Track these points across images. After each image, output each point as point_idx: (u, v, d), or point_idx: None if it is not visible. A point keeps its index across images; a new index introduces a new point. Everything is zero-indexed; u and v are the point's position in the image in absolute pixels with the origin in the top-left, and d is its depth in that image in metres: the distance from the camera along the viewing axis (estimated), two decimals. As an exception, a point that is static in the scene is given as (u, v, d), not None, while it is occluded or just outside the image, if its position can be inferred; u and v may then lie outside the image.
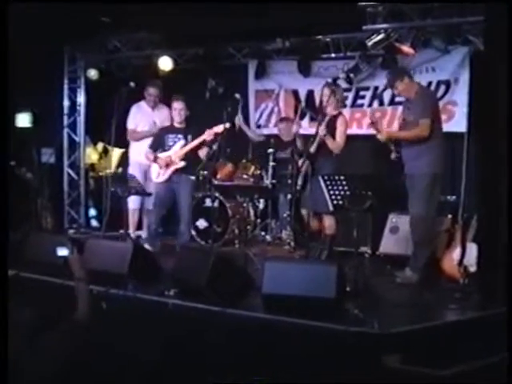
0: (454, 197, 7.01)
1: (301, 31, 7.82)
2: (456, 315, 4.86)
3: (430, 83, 7.31)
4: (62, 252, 3.85)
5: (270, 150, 7.74)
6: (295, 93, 8.40)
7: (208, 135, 6.58)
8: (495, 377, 3.59)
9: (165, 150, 6.87)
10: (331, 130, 6.22)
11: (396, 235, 6.87)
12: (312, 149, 6.18)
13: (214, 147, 6.79)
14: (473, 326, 4.54)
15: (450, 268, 5.64)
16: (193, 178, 6.96)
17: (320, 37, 7.92)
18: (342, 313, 4.55)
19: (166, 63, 8.39)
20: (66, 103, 9.50)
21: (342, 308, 4.61)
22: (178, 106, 6.87)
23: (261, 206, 7.88)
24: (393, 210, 6.95)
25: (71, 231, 9.02)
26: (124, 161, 8.30)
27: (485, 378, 3.73)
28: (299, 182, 6.27)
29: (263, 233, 7.90)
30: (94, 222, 9.51)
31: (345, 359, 3.95)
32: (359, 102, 8.00)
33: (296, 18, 7.19)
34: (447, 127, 6.44)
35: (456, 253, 5.65)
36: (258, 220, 7.87)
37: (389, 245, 6.90)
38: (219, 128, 6.56)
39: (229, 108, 6.95)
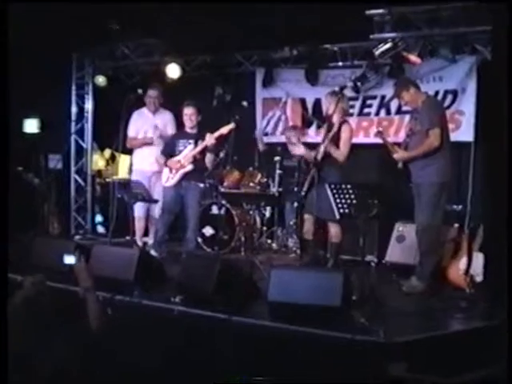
0: (460, 206, 6.96)
1: (308, 40, 7.83)
2: (462, 324, 4.85)
3: (437, 92, 7.30)
4: (69, 260, 3.86)
5: (277, 158, 7.76)
6: (302, 101, 8.43)
7: (214, 137, 6.66)
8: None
9: (176, 155, 6.93)
10: (335, 138, 6.21)
11: (402, 244, 6.88)
12: (318, 156, 6.19)
13: (222, 155, 6.83)
14: (479, 335, 4.53)
15: (456, 277, 5.64)
16: (201, 185, 7.00)
17: (328, 45, 7.94)
18: (348, 321, 4.53)
19: (173, 70, 8.42)
20: (74, 109, 9.57)
21: (348, 316, 4.59)
22: (188, 111, 6.95)
23: (267, 213, 7.91)
24: (399, 218, 6.97)
25: (77, 237, 9.01)
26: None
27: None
28: (305, 189, 6.27)
29: (269, 240, 7.90)
30: (101, 228, 9.52)
31: (350, 368, 3.95)
32: (366, 110, 8.00)
33: (304, 27, 7.21)
34: (454, 137, 6.41)
35: (462, 262, 5.64)
36: (265, 228, 7.87)
37: (395, 253, 6.90)
38: (225, 129, 6.62)
39: (236, 116, 6.97)
